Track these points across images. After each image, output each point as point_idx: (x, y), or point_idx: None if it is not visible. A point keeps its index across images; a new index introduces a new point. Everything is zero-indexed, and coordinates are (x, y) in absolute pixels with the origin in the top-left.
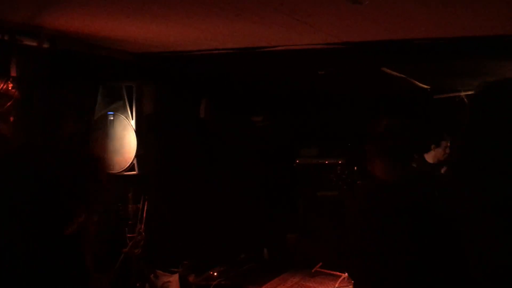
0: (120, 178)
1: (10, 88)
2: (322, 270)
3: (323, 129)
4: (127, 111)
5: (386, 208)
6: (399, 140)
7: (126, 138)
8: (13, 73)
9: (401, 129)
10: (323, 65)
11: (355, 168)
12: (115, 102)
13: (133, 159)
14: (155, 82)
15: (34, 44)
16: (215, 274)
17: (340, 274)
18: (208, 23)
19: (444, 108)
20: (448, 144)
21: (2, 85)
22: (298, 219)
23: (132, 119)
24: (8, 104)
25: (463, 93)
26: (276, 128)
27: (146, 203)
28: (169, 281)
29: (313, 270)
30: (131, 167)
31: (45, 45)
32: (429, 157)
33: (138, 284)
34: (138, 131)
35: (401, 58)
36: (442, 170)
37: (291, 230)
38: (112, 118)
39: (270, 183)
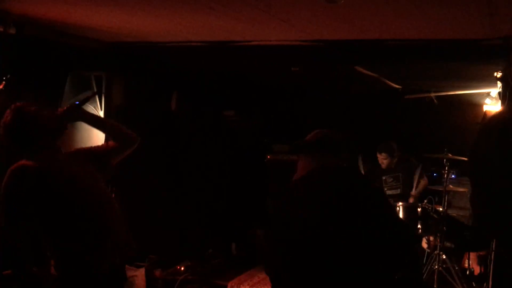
0: None
1: None
2: None
3: (295, 125)
4: (96, 101)
5: (302, 203)
6: (317, 139)
7: (94, 129)
8: None
9: (325, 136)
10: (297, 62)
11: None
12: (84, 92)
13: None
14: (126, 73)
15: (0, 29)
16: (182, 268)
17: None
18: (181, 15)
19: (414, 107)
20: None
21: None
22: (267, 215)
23: (101, 110)
24: None
25: (433, 94)
26: (248, 123)
27: (113, 195)
28: (135, 276)
29: None
30: None
31: (12, 31)
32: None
33: None
34: None
35: (373, 57)
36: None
37: (259, 225)
38: None
39: (240, 178)
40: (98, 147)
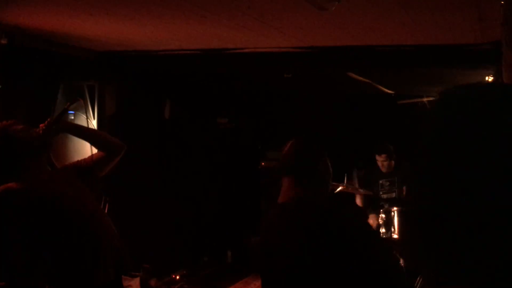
0: None
1: None
2: None
3: (289, 132)
4: (89, 110)
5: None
6: (299, 159)
7: (84, 143)
8: None
9: (303, 147)
10: (290, 68)
11: None
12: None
13: None
14: (118, 82)
15: None
16: (177, 277)
17: None
18: (174, 24)
19: (407, 113)
20: (386, 155)
21: None
22: (261, 222)
23: (94, 119)
24: None
25: (425, 99)
26: (242, 130)
27: (107, 205)
28: (129, 285)
29: None
30: None
31: (3, 41)
32: (383, 167)
33: None
34: None
35: (365, 63)
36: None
37: (254, 233)
38: (72, 117)
39: (234, 185)
40: (84, 160)
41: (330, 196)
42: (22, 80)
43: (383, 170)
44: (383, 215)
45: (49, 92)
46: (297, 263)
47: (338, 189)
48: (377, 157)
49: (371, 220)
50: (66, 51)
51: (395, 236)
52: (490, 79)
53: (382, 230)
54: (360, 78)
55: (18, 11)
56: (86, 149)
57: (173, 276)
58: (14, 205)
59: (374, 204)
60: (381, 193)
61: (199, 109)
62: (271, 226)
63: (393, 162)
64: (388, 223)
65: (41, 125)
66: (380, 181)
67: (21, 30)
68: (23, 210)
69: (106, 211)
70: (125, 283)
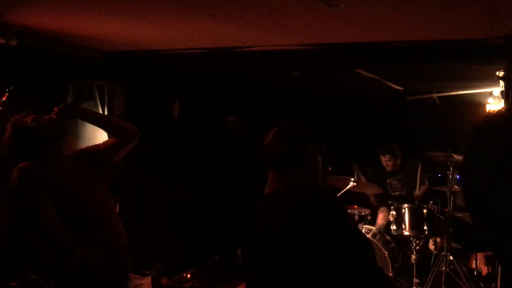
0: None
1: None
2: None
3: None
4: (99, 110)
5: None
6: (277, 148)
7: (97, 139)
8: None
9: (280, 136)
10: (298, 66)
11: (329, 169)
12: (86, 101)
13: None
14: (128, 81)
15: (1, 41)
16: (188, 276)
17: None
18: (182, 23)
19: (416, 109)
20: (388, 156)
21: None
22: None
23: None
24: None
25: (435, 95)
26: (250, 128)
27: (117, 204)
28: (141, 284)
29: None
30: None
31: (13, 43)
32: (387, 166)
33: None
34: None
35: (375, 60)
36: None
37: None
38: None
39: (243, 183)
40: (98, 145)
41: (323, 184)
42: (31, 80)
43: (388, 169)
44: (394, 212)
45: (58, 93)
46: (279, 250)
47: (349, 186)
48: (381, 158)
49: (382, 215)
50: (75, 51)
51: (406, 233)
52: (500, 73)
53: (393, 227)
54: (369, 75)
55: (27, 12)
56: (98, 138)
57: (184, 274)
58: (33, 175)
59: (384, 201)
60: (390, 191)
61: (208, 107)
62: (257, 217)
63: (399, 160)
64: (399, 220)
65: (55, 108)
66: (388, 180)
67: (31, 31)
68: (39, 182)
69: (117, 209)
70: (137, 281)
